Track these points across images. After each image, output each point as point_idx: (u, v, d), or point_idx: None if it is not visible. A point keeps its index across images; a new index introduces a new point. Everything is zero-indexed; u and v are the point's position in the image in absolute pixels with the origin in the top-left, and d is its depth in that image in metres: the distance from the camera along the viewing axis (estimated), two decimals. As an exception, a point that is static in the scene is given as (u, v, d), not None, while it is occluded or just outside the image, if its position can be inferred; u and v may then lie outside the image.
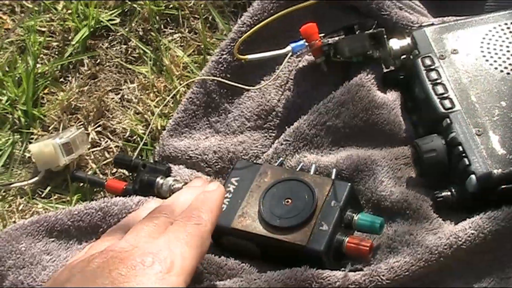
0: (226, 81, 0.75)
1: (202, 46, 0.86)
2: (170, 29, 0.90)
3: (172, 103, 0.81)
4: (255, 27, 0.73)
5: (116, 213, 0.67)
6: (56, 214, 0.68)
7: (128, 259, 0.48)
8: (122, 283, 0.46)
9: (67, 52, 0.90)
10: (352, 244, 0.60)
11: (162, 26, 0.90)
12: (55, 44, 0.91)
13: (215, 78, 0.76)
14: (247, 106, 0.76)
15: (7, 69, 0.89)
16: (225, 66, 0.76)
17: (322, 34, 0.74)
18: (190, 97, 0.76)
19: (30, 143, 0.83)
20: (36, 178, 0.79)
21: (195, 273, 0.51)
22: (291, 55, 0.75)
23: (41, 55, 0.90)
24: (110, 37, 0.91)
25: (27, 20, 0.93)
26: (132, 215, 0.62)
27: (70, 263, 0.54)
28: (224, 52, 0.76)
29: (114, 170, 0.80)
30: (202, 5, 0.89)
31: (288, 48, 0.73)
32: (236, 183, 0.66)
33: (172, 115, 0.79)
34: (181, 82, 0.83)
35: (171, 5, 0.90)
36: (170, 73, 0.83)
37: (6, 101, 0.87)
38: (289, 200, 0.63)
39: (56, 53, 0.90)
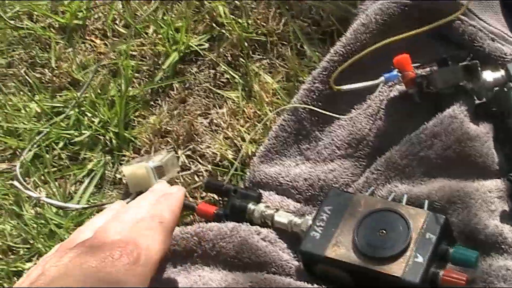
0: (318, 109, 0.78)
1: (291, 73, 0.89)
2: (258, 54, 0.93)
3: (262, 129, 0.84)
4: (351, 60, 0.75)
5: (211, 239, 0.70)
6: (153, 237, 0.71)
7: (98, 253, 0.54)
8: (93, 274, 0.52)
9: (157, 76, 0.94)
10: (448, 277, 0.62)
11: (250, 52, 0.93)
12: (145, 68, 0.95)
13: (306, 106, 0.78)
14: (338, 134, 0.78)
15: (99, 91, 0.94)
16: (316, 94, 0.79)
17: (415, 65, 0.76)
18: (282, 124, 0.79)
19: (121, 164, 0.87)
20: (128, 200, 0.83)
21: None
22: (384, 85, 0.77)
23: (132, 79, 0.94)
24: (199, 62, 0.95)
25: (119, 44, 0.98)
26: (99, 215, 0.68)
27: (42, 260, 0.60)
28: (316, 81, 0.79)
29: (203, 193, 0.83)
30: (291, 32, 0.91)
31: (381, 78, 0.75)
32: (329, 212, 0.68)
33: (261, 141, 0.82)
34: (271, 109, 0.85)
35: (259, 31, 0.93)
36: (260, 99, 0.86)
37: (99, 123, 0.91)
38: (384, 231, 0.65)
39: (147, 76, 0.95)
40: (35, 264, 0.67)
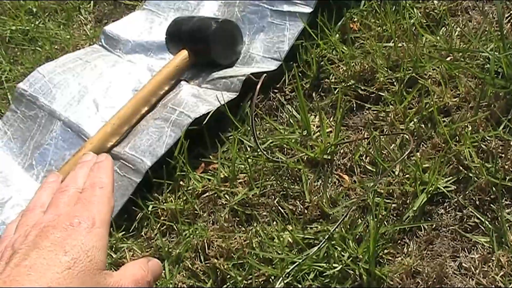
0: None
1: (545, 223, 0.92)
2: (507, 200, 0.97)
3: (518, 280, 0.87)
4: None
5: None
6: None
7: (59, 225, 0.64)
8: (61, 242, 0.62)
9: (405, 215, 1.00)
10: None
11: (499, 197, 0.97)
12: (393, 206, 1.02)
13: None
14: None
15: (348, 226, 1.02)
16: None
17: None
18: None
19: (371, 301, 0.94)
20: None
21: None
22: None
23: (380, 216, 1.01)
24: (445, 204, 1.00)
25: (366, 181, 1.07)
26: (39, 192, 0.76)
27: (8, 243, 0.68)
28: None
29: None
30: (543, 181, 0.95)
31: None
32: None
33: (517, 292, 0.85)
34: (526, 259, 0.89)
35: (508, 177, 0.98)
36: (514, 248, 0.90)
37: (348, 257, 0.99)
38: None
39: (394, 215, 1.02)
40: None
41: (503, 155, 1.00)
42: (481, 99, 1.07)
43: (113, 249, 1.15)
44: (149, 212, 1.17)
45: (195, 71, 1.39)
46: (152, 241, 1.14)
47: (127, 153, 1.23)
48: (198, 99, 1.29)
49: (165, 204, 1.18)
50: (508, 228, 0.93)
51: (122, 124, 1.28)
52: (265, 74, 1.25)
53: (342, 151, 1.13)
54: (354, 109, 1.20)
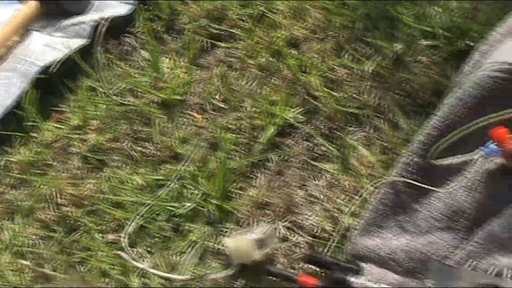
0: (416, 183, 0.81)
1: (387, 145, 0.92)
2: (351, 127, 0.97)
3: (359, 201, 0.88)
4: (450, 136, 0.79)
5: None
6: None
7: None
8: None
9: (255, 149, 0.99)
10: None
11: (345, 124, 0.97)
12: (243, 141, 1.01)
13: (406, 180, 0.82)
14: (436, 207, 0.81)
15: (199, 164, 1.00)
16: (415, 168, 0.82)
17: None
18: (381, 198, 0.83)
19: (222, 235, 0.92)
20: (232, 271, 0.88)
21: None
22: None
23: (230, 152, 1.00)
24: (294, 134, 0.99)
25: (218, 117, 1.04)
26: None
27: None
28: (415, 155, 0.82)
29: (303, 265, 0.87)
30: (386, 105, 0.95)
31: (481, 153, 0.78)
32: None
33: (359, 214, 0.86)
34: (367, 181, 0.89)
35: (354, 104, 0.98)
36: (357, 172, 0.90)
37: (200, 196, 0.97)
38: (488, 306, 0.67)
39: (245, 149, 1.00)
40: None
41: (349, 83, 1.00)
42: (328, 30, 1.06)
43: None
44: (-1, 167, 1.11)
45: (47, 20, 1.32)
46: (2, 195, 1.09)
47: (-26, 107, 1.16)
48: (48, 48, 1.23)
49: (15, 156, 1.12)
50: (351, 153, 0.93)
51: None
52: (109, 18, 1.20)
53: (193, 90, 1.10)
54: (208, 48, 1.16)
